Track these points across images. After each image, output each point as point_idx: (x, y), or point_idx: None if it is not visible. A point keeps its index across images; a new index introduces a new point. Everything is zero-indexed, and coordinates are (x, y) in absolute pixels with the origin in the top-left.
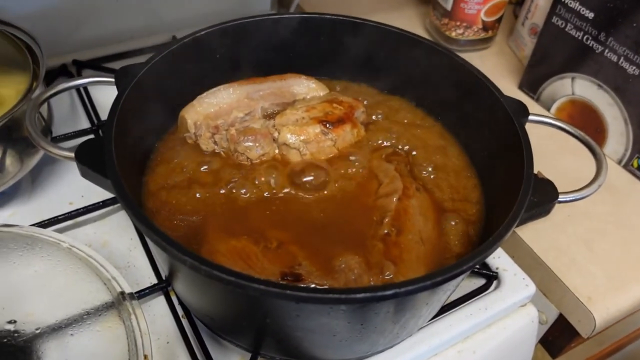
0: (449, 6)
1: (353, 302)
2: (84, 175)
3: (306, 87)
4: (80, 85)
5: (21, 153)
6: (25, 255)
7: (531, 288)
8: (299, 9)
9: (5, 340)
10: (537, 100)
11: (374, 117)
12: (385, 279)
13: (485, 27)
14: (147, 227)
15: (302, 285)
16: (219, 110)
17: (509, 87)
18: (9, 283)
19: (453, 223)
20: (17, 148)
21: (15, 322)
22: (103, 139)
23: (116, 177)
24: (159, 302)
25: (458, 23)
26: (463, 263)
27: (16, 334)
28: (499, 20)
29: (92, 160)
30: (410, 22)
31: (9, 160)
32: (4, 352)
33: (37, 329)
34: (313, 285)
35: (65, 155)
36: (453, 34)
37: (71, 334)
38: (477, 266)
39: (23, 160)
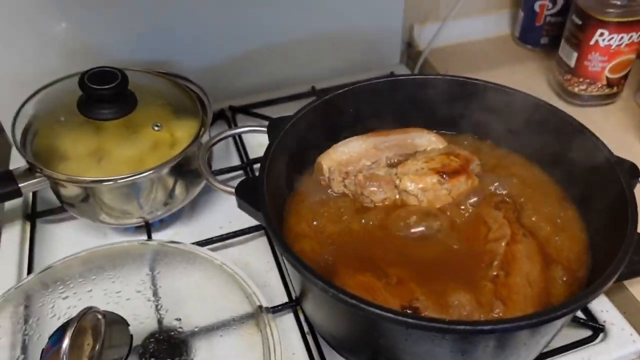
0: (572, 63)
1: (454, 333)
2: (240, 207)
3: (427, 140)
4: (240, 133)
5: (188, 184)
6: (188, 268)
7: (639, 344)
8: (427, 62)
9: (172, 333)
10: None
11: (486, 169)
12: (494, 316)
13: (610, 83)
14: (289, 255)
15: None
16: (349, 158)
17: (632, 143)
18: (175, 289)
19: (559, 269)
20: (185, 180)
21: (180, 319)
22: (257, 180)
23: (267, 212)
24: (288, 318)
25: (581, 79)
26: (558, 309)
27: (180, 329)
28: (625, 76)
29: (247, 196)
30: (533, 75)
31: (178, 190)
32: (171, 343)
33: (195, 328)
34: None
35: (227, 190)
36: (576, 90)
37: (220, 335)
38: (582, 316)
39: (188, 190)
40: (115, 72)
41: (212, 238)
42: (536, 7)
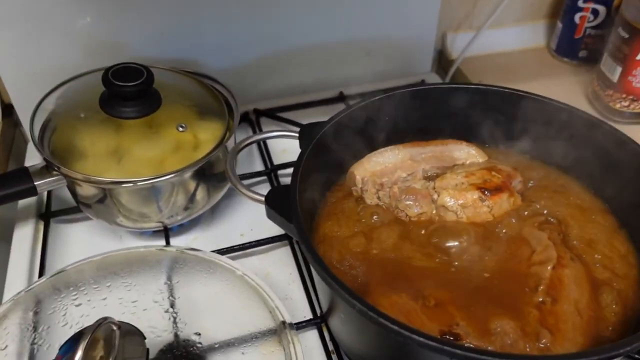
0: (615, 78)
1: None
2: (269, 216)
3: (466, 153)
4: (269, 137)
5: (210, 189)
6: (208, 278)
7: None
8: (458, 72)
9: (191, 348)
10: None
11: (529, 186)
12: (540, 346)
13: None
14: (325, 272)
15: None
16: (384, 169)
17: None
18: (193, 300)
19: (609, 297)
20: (207, 185)
21: (200, 334)
22: (289, 189)
23: (300, 224)
24: (312, 336)
25: (624, 95)
26: (617, 347)
27: (199, 344)
28: None
29: (277, 205)
30: (571, 89)
31: (199, 195)
32: (189, 358)
33: (215, 343)
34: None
35: (256, 198)
36: (617, 106)
37: (242, 352)
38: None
39: (210, 195)
40: (141, 69)
41: (233, 247)
42: (576, 18)
